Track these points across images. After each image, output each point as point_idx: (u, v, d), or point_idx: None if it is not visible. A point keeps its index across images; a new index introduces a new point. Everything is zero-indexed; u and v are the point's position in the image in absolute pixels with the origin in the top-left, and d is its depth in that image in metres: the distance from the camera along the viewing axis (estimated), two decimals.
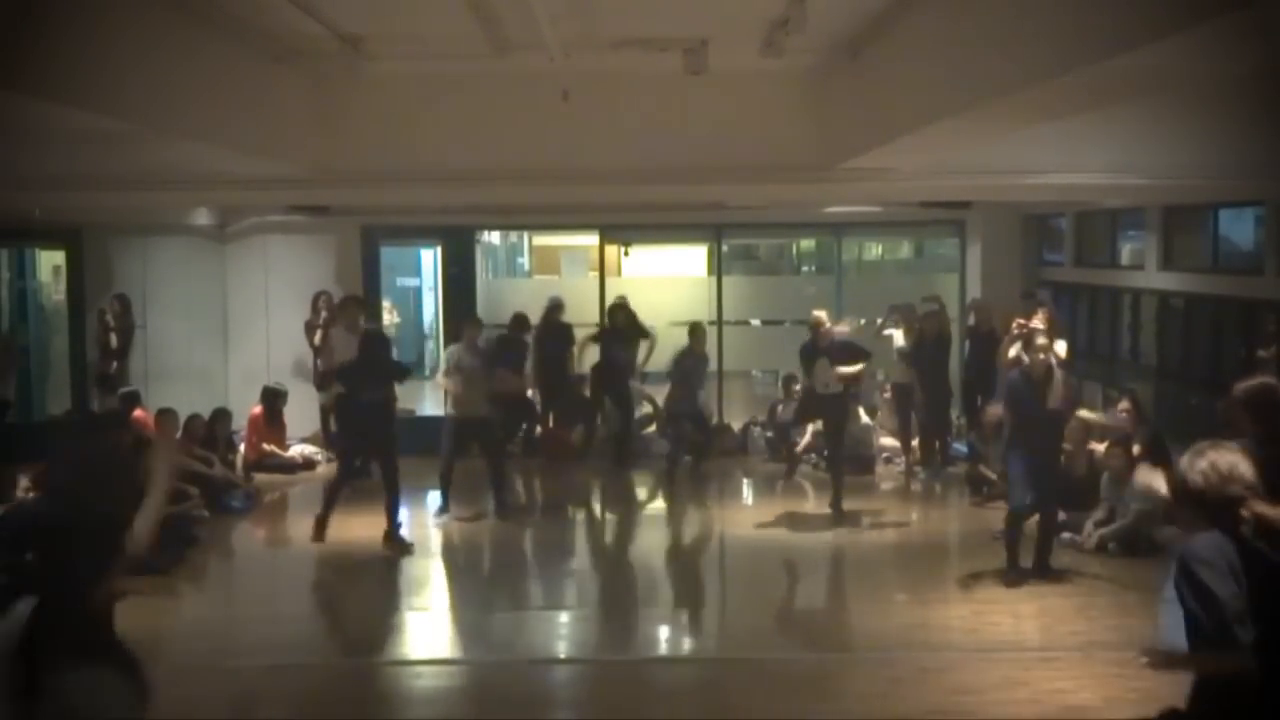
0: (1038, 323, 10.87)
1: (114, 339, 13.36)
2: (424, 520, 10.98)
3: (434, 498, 11.38)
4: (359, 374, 10.04)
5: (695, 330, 13.02)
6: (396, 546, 9.89)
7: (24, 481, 8.03)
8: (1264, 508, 3.44)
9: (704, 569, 10.43)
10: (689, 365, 12.75)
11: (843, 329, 11.50)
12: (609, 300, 14.69)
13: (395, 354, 11.33)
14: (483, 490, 11.77)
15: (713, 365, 14.43)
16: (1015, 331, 10.47)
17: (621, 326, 13.38)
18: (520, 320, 13.47)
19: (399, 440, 10.19)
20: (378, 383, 10.05)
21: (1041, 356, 8.72)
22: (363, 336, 10.66)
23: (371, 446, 10.20)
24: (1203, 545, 3.45)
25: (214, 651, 7.61)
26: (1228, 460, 3.49)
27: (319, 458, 13.04)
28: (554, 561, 10.31)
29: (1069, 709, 6.34)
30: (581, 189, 10.26)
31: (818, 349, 10.89)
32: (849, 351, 10.97)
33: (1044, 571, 8.69)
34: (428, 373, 17.29)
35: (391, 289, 16.54)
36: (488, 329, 14.90)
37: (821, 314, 11.16)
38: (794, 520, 10.84)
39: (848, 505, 10.85)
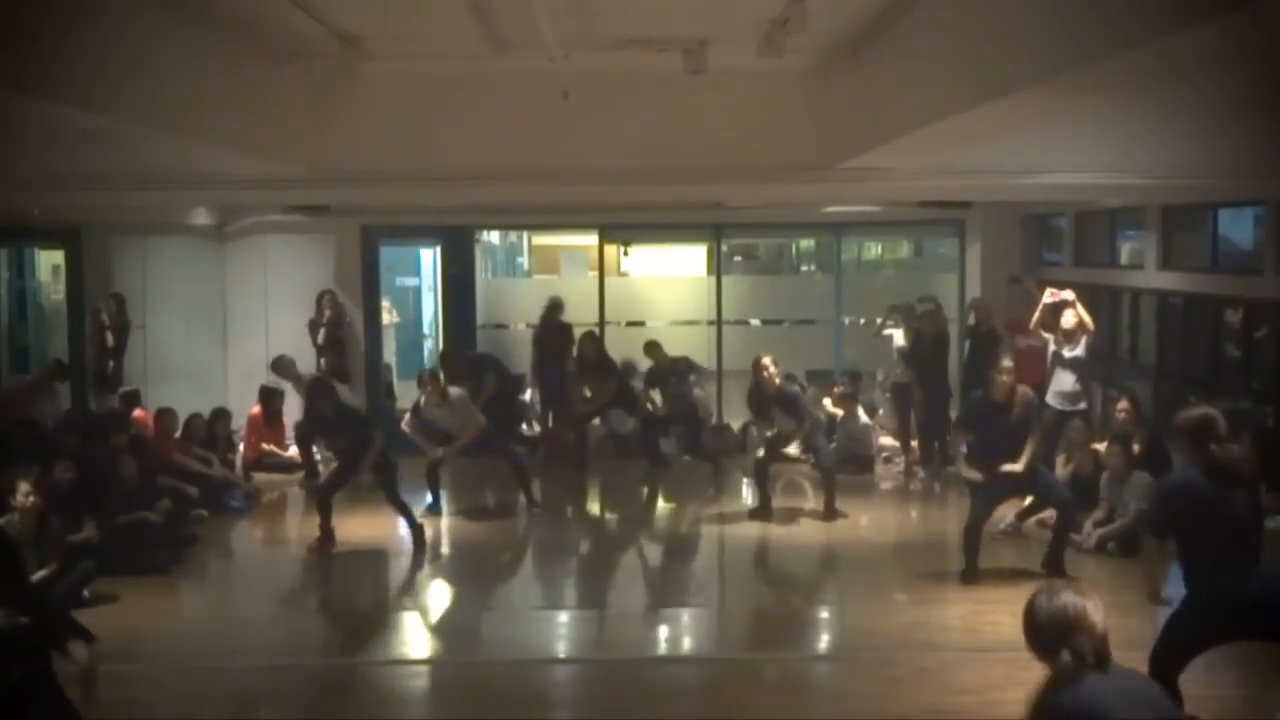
0: (1068, 294, 10.94)
1: (110, 338, 13.35)
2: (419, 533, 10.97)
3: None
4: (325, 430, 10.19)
5: (650, 348, 13.05)
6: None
7: (24, 487, 8.00)
8: None
9: (703, 569, 10.42)
10: (668, 376, 12.75)
11: None
12: (608, 301, 14.70)
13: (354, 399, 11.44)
14: (479, 487, 11.80)
15: (712, 365, 14.47)
16: (1051, 299, 10.55)
17: (590, 362, 13.12)
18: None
19: (395, 468, 10.25)
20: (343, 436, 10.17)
21: (1005, 379, 8.68)
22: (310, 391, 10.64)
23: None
24: None
25: (214, 651, 7.60)
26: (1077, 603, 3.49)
27: (317, 458, 13.03)
28: (552, 561, 10.32)
29: None
30: (581, 189, 10.25)
31: (765, 396, 10.71)
32: (793, 406, 10.75)
33: (1056, 568, 8.69)
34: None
35: (391, 289, 16.52)
36: (487, 329, 14.93)
37: (768, 359, 10.78)
38: (793, 519, 10.83)
39: (845, 505, 10.86)
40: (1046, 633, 3.44)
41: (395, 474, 10.21)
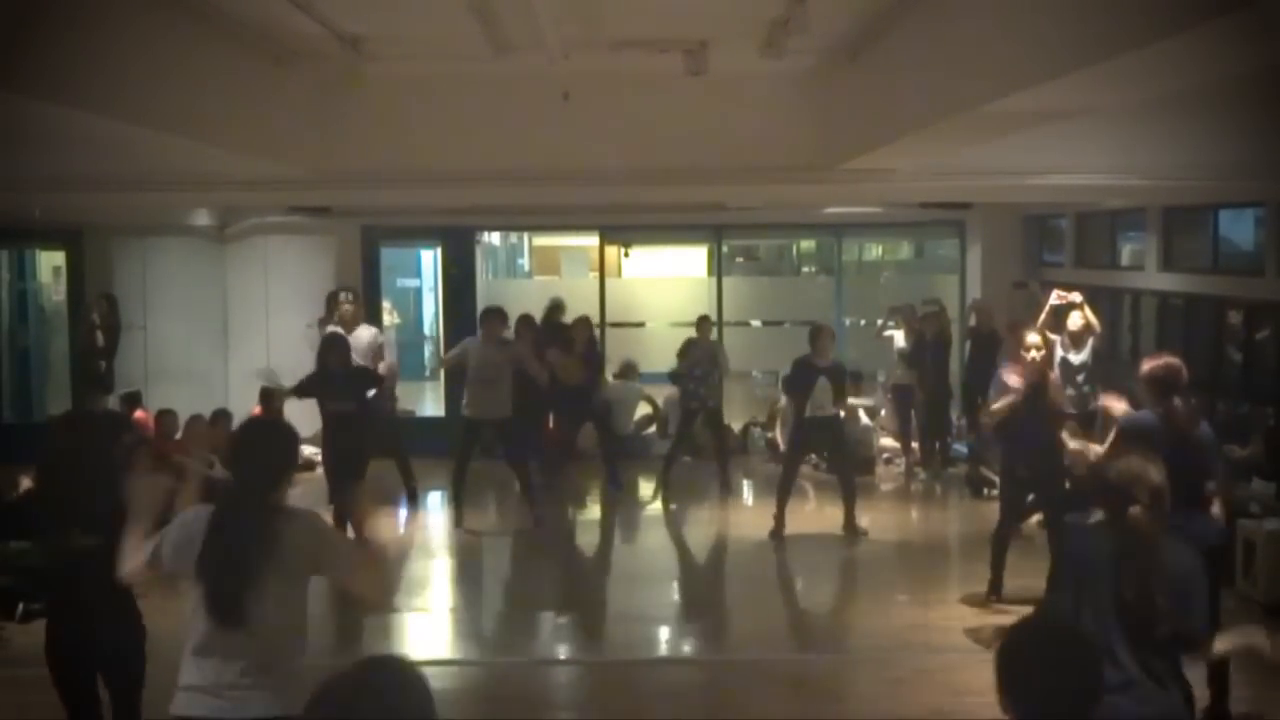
0: (1076, 296, 10.93)
1: (100, 338, 13.31)
2: (424, 521, 10.97)
3: (437, 500, 11.36)
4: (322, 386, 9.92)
5: (702, 323, 12.74)
6: None
7: (25, 483, 8.01)
8: None
9: (705, 570, 10.42)
10: (698, 357, 12.53)
11: None
12: (609, 302, 14.68)
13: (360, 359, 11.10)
14: (490, 496, 11.76)
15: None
16: (1059, 301, 10.53)
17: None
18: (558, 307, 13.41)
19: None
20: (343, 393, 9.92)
21: (1033, 355, 8.19)
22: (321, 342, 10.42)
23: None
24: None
25: None
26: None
27: (319, 458, 13.01)
28: (553, 563, 10.31)
29: None
30: (581, 189, 10.25)
31: (816, 369, 10.40)
32: (842, 374, 10.58)
33: None
34: (427, 373, 17.28)
35: (391, 289, 16.52)
36: None
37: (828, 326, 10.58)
38: (795, 521, 10.82)
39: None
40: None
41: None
